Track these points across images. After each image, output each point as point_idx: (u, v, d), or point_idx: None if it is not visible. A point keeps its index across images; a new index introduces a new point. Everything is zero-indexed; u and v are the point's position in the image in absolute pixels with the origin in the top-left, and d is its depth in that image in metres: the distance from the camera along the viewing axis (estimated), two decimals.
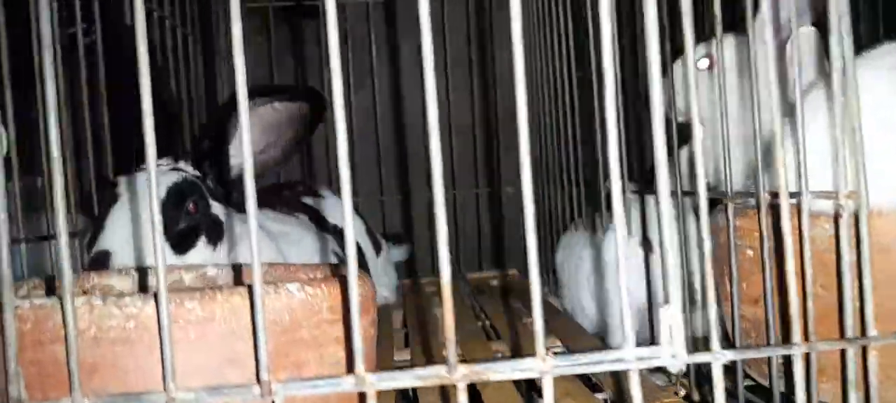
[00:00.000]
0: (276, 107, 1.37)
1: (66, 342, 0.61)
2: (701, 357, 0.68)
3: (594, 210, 1.71)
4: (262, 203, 1.61)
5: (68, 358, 0.61)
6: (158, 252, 0.60)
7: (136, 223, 1.22)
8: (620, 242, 0.65)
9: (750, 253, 0.98)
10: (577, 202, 1.88)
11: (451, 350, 0.65)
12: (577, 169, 1.86)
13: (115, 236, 1.20)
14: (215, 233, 1.32)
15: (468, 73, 2.55)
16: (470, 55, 2.56)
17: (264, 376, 0.63)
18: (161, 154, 1.38)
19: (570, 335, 1.54)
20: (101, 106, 1.40)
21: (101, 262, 1.18)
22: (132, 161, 1.32)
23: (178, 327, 0.68)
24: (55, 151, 0.60)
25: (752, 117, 0.89)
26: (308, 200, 1.96)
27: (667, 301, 0.66)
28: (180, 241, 1.26)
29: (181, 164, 1.36)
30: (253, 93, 1.29)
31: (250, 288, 0.69)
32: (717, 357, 0.67)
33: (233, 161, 1.38)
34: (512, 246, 2.49)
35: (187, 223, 1.28)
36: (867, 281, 0.70)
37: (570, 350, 1.45)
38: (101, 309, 0.67)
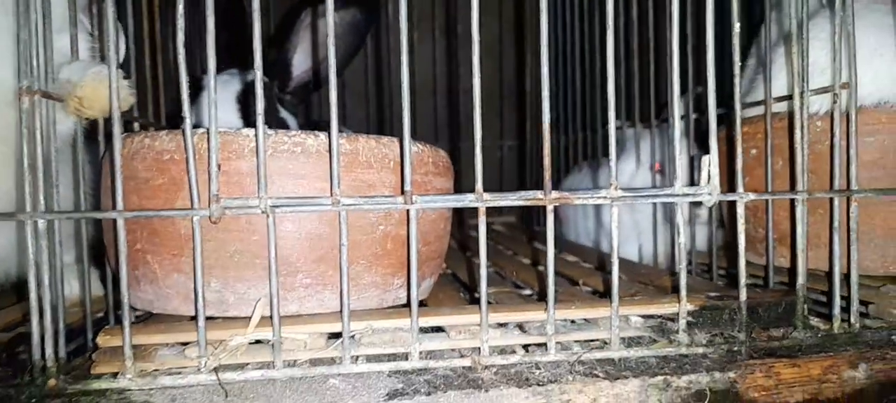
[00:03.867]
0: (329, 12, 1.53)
1: (257, 155, 0.79)
2: (729, 197, 0.89)
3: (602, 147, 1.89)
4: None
5: (258, 168, 0.79)
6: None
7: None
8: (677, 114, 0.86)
9: (754, 152, 1.20)
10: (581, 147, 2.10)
11: (547, 178, 0.85)
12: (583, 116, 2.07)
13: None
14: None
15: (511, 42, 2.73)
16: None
17: (408, 187, 0.82)
18: (234, 62, 1.55)
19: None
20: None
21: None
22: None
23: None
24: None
25: (764, 33, 1.10)
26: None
27: (708, 151, 0.88)
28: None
29: (251, 71, 1.53)
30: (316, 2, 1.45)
31: (382, 138, 0.89)
32: (742, 197, 0.89)
33: (295, 71, 1.55)
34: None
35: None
36: (853, 152, 0.93)
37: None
38: (274, 138, 0.85)
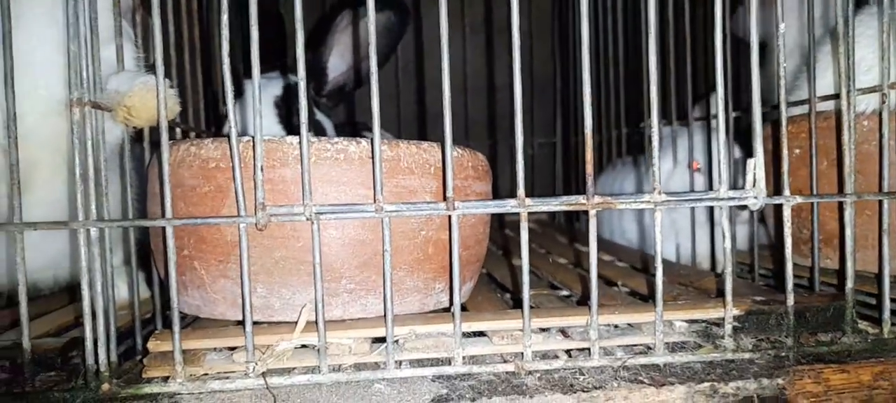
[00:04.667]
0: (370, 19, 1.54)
1: (301, 162, 0.80)
2: (776, 200, 0.88)
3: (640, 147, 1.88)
4: (340, 131, 1.79)
5: (303, 176, 0.80)
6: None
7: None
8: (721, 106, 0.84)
9: (797, 151, 1.18)
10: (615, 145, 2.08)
11: (590, 183, 0.85)
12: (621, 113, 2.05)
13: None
14: (320, 134, 1.51)
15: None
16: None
17: (450, 193, 0.83)
18: (273, 65, 1.57)
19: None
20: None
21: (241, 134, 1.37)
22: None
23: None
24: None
25: (809, 29, 1.08)
26: (368, 134, 2.16)
27: (753, 155, 0.86)
28: (293, 133, 1.45)
29: (290, 75, 1.54)
30: (356, 3, 1.46)
31: (423, 143, 0.89)
32: (788, 200, 0.88)
33: (331, 73, 1.56)
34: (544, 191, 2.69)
35: (297, 120, 1.46)
36: None
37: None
38: (317, 145, 0.86)
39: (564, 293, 1.35)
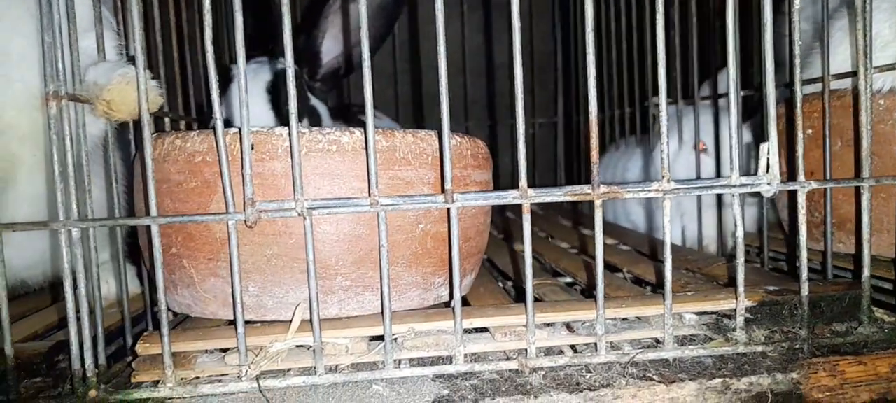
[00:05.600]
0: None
1: (291, 154, 0.76)
2: (790, 186, 0.84)
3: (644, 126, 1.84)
4: (334, 115, 1.74)
5: (293, 170, 0.76)
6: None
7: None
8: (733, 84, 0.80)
9: (809, 132, 1.14)
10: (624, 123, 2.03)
11: (595, 171, 0.81)
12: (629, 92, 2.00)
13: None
14: (316, 120, 1.46)
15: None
16: None
17: (448, 185, 0.79)
18: (263, 50, 1.51)
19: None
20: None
21: (228, 124, 1.33)
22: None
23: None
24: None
25: (823, 10, 1.03)
26: (363, 117, 2.11)
27: (766, 139, 0.82)
28: (286, 121, 1.40)
29: (281, 60, 1.49)
30: None
31: (419, 132, 0.85)
32: (803, 186, 0.84)
33: (325, 57, 1.51)
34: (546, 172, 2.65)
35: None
36: None
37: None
38: (309, 136, 0.82)
39: (567, 280, 1.32)
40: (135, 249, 1.13)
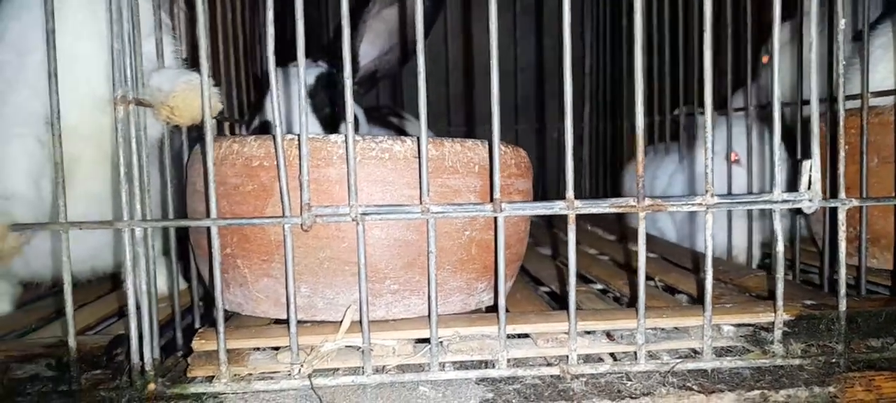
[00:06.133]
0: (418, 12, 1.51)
1: (347, 163, 0.78)
2: (831, 203, 0.85)
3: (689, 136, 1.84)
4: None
5: (348, 177, 0.78)
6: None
7: (288, 104, 1.40)
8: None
9: (845, 148, 1.15)
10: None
11: (639, 184, 0.83)
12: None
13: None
14: (354, 124, 1.49)
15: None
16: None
17: (497, 194, 0.81)
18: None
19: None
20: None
21: (264, 131, 1.36)
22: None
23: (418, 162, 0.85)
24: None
25: (864, 28, 1.04)
26: (395, 120, 2.14)
27: (808, 156, 0.84)
28: (328, 124, 1.43)
29: (319, 62, 1.52)
30: None
31: (466, 142, 0.87)
32: (844, 203, 0.85)
33: (361, 61, 1.54)
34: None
35: (331, 110, 1.45)
36: None
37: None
38: (362, 144, 0.85)
39: (598, 287, 1.34)
40: (182, 246, 1.16)
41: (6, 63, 0.94)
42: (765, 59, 1.77)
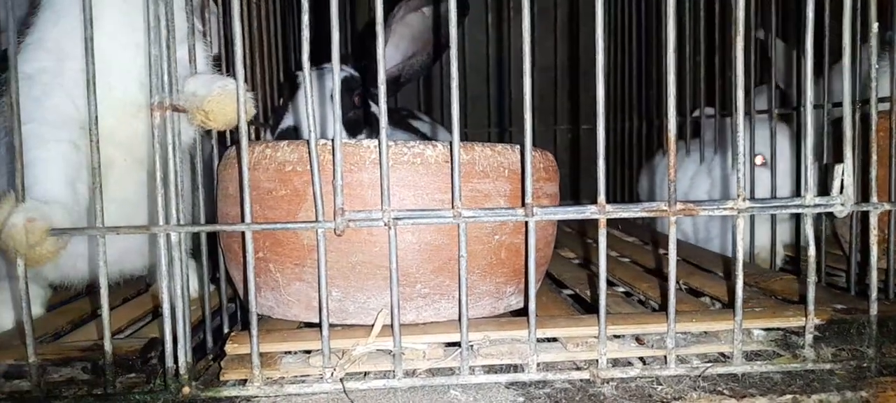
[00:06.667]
0: (424, 13, 1.52)
1: (380, 165, 0.79)
2: (863, 207, 0.85)
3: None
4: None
5: (382, 182, 0.79)
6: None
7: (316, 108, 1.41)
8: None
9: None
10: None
11: (671, 189, 0.83)
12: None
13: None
14: (377, 128, 1.50)
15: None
16: None
17: (529, 199, 0.81)
18: (324, 53, 1.56)
19: None
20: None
21: (289, 135, 1.37)
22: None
23: (449, 166, 0.86)
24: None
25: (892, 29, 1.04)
26: (413, 122, 2.15)
27: (841, 160, 0.84)
28: (350, 127, 1.44)
29: (343, 67, 1.53)
30: None
31: (497, 146, 0.88)
32: (876, 207, 0.85)
33: (386, 65, 1.55)
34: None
35: (355, 113, 1.46)
36: None
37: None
38: (395, 149, 0.85)
39: (622, 290, 1.33)
40: (210, 249, 1.17)
41: (45, 69, 0.96)
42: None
